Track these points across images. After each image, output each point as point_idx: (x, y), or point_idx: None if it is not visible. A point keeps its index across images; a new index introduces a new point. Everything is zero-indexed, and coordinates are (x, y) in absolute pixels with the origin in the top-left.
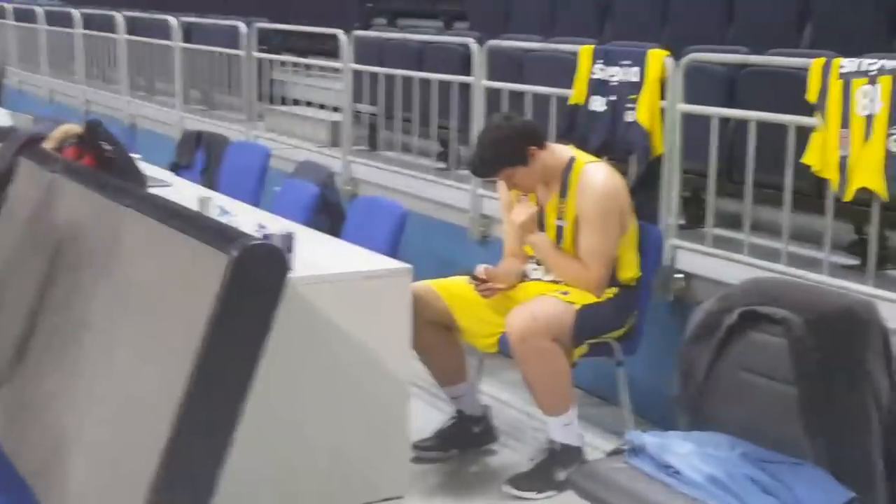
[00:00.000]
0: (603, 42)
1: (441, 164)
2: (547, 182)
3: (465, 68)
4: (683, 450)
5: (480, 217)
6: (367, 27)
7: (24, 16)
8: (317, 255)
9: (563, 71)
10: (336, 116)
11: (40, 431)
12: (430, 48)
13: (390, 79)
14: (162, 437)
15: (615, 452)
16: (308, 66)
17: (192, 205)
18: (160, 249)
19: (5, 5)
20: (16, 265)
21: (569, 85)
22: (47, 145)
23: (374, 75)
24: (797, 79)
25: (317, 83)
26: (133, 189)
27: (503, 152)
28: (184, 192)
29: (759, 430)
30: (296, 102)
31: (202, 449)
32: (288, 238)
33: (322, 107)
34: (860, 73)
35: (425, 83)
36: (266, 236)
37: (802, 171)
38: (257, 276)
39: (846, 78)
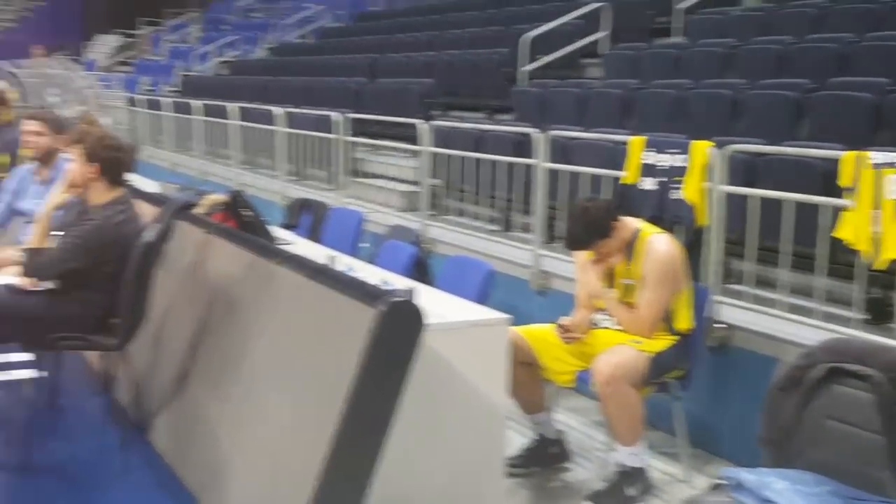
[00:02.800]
0: (628, 132)
1: (497, 227)
2: (619, 248)
3: (518, 152)
4: (779, 486)
5: (540, 272)
6: (427, 118)
7: (153, 104)
8: (429, 307)
9: (601, 154)
10: (407, 187)
11: (201, 452)
12: (486, 135)
13: (459, 158)
14: (315, 463)
15: (715, 488)
16: (376, 147)
17: (321, 261)
18: (309, 301)
19: (137, 96)
20: (174, 310)
21: (603, 165)
22: (198, 211)
23: (444, 156)
24: (801, 164)
25: (388, 160)
26: (279, 249)
27: (595, 229)
28: (307, 249)
29: (842, 471)
30: (370, 176)
31: (353, 477)
32: (412, 292)
33: (393, 179)
34: (889, 164)
35: (488, 163)
36: (392, 291)
37: (810, 239)
38: (401, 328)
39: (878, 168)
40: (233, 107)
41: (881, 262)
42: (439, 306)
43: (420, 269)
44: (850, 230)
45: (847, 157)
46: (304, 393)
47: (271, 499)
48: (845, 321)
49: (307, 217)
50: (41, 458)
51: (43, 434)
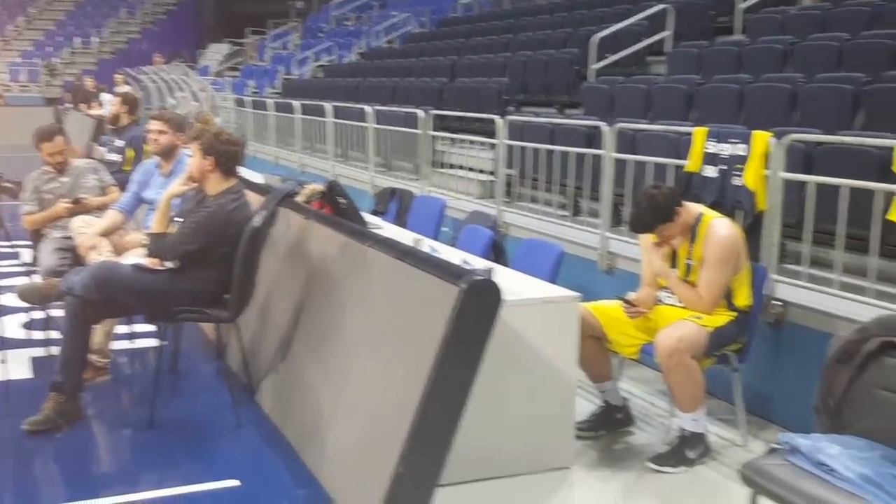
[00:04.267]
0: (691, 124)
1: (566, 213)
2: (682, 231)
3: (588, 143)
4: (833, 450)
5: (608, 253)
6: (503, 113)
7: (258, 105)
8: (505, 285)
9: (665, 145)
10: (484, 177)
11: (301, 411)
12: (557, 128)
13: (532, 150)
14: (404, 422)
15: (771, 451)
16: (453, 140)
17: (408, 243)
18: (397, 279)
19: (244, 98)
20: (278, 286)
21: (667, 155)
22: (299, 199)
23: (518, 147)
24: (856, 153)
25: (467, 152)
26: (371, 233)
27: (660, 213)
28: (395, 233)
29: (893, 436)
30: (450, 166)
31: (437, 435)
32: (490, 272)
33: (471, 169)
34: None
35: (559, 153)
36: (473, 271)
37: (863, 222)
38: (481, 304)
39: None
40: (328, 106)
41: None
42: (514, 285)
43: (496, 251)
44: None
45: None
46: (394, 360)
47: (364, 453)
48: None
49: (394, 204)
50: (163, 415)
51: (165, 395)
